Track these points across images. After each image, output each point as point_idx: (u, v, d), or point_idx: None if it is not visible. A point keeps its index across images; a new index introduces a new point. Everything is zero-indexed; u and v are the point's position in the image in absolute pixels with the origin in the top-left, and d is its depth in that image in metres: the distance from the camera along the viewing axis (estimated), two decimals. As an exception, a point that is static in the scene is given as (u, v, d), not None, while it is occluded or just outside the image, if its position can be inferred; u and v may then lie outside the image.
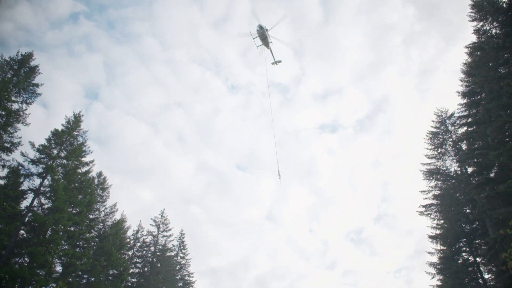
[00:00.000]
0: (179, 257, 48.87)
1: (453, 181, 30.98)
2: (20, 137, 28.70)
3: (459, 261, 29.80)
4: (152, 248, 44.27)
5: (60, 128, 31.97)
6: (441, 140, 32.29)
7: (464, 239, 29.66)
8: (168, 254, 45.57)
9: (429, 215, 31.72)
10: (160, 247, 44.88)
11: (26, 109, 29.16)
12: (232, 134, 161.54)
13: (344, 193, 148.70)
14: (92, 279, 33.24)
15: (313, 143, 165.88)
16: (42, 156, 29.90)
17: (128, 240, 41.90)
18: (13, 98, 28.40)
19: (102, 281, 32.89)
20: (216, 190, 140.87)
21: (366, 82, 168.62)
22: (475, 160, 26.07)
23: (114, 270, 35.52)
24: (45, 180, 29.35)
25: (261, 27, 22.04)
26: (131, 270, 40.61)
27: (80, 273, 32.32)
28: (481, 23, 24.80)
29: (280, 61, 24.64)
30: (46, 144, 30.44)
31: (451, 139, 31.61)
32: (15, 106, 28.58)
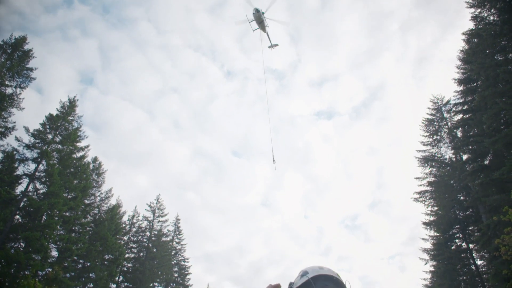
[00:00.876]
0: (174, 243, 49.22)
1: (448, 168, 31.15)
2: (15, 122, 28.56)
3: (452, 248, 30.13)
4: (148, 233, 44.47)
5: (54, 113, 31.78)
6: (436, 127, 32.36)
7: (458, 226, 29.95)
8: (163, 239, 45.81)
9: (423, 202, 31.98)
10: (156, 232, 45.09)
11: (20, 93, 28.95)
12: (228, 120, 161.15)
13: (340, 179, 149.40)
14: (88, 264, 33.40)
15: (309, 130, 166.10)
16: (37, 141, 29.73)
17: (124, 225, 42.08)
18: (6, 82, 28.11)
19: (97, 266, 33.07)
20: (211, 176, 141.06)
21: (362, 69, 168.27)
22: (470, 147, 26.18)
23: (109, 255, 35.69)
24: (40, 165, 29.25)
25: (257, 10, 21.82)
26: (127, 255, 40.85)
27: (76, 258, 32.42)
28: (479, 10, 24.61)
29: (276, 45, 24.42)
30: (41, 129, 30.25)
31: (446, 126, 31.67)
32: (8, 91, 28.35)
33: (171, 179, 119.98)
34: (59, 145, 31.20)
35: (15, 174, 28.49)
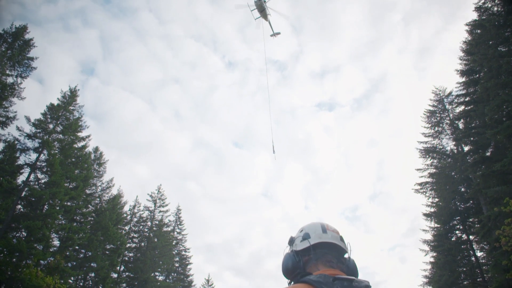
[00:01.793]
0: (175, 233, 49.44)
1: (449, 159, 31.13)
2: (16, 112, 28.51)
3: (452, 239, 30.23)
4: (149, 223, 44.60)
5: (56, 102, 31.72)
6: (438, 118, 32.26)
7: (458, 217, 30.00)
8: (164, 229, 45.96)
9: (424, 193, 32.02)
10: (157, 222, 45.20)
11: (21, 83, 28.89)
12: (229, 111, 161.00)
13: (340, 171, 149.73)
14: (89, 254, 33.58)
15: (310, 121, 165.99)
16: (38, 130, 29.70)
17: (125, 215, 42.23)
18: (7, 72, 28.02)
19: (99, 256, 33.22)
20: (212, 167, 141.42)
21: (364, 60, 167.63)
22: (472, 138, 26.12)
23: (111, 245, 35.86)
24: (41, 155, 29.24)
25: None
26: (128, 245, 41.03)
27: (77, 247, 32.60)
28: (482, 1, 24.43)
29: (279, 33, 24.27)
30: (42, 118, 30.20)
31: (448, 118, 31.58)
32: (9, 80, 28.25)
33: (172, 169, 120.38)
34: (60, 135, 31.19)
35: (16, 164, 28.54)
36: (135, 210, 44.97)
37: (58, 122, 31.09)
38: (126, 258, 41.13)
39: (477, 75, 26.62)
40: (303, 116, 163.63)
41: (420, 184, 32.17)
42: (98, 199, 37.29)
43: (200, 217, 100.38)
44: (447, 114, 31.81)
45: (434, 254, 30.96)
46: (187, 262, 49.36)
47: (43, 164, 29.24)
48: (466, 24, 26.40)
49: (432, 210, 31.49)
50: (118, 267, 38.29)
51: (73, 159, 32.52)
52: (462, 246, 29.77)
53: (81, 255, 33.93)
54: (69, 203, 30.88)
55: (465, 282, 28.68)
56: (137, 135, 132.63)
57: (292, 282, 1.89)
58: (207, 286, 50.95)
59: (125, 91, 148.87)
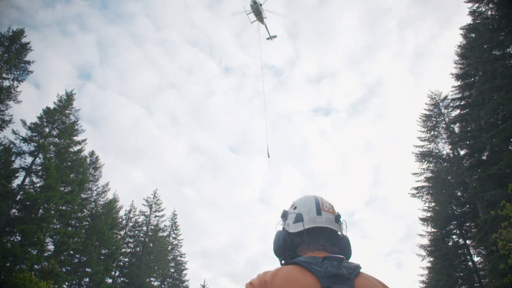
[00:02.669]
0: (171, 238, 49.19)
1: (445, 163, 31.15)
2: (12, 115, 28.38)
3: (449, 244, 30.16)
4: (144, 228, 44.35)
5: (52, 106, 31.65)
6: (434, 122, 32.34)
7: (455, 222, 29.95)
8: (160, 234, 45.77)
9: (420, 197, 31.98)
10: (152, 227, 44.98)
11: (17, 86, 28.77)
12: (225, 116, 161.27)
13: (337, 176, 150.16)
14: (84, 258, 33.33)
15: (306, 126, 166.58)
16: (34, 134, 29.57)
17: (120, 220, 41.98)
18: (4, 75, 27.93)
19: (94, 260, 32.99)
20: (208, 172, 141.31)
21: (360, 65, 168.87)
22: (468, 142, 26.16)
23: (106, 250, 35.63)
24: (37, 159, 29.10)
25: (254, 1, 21.62)
26: (123, 250, 40.75)
27: (72, 252, 32.34)
28: (477, 5, 24.56)
29: (275, 36, 24.30)
30: (38, 122, 30.09)
31: (444, 122, 31.65)
32: (6, 83, 28.20)
33: (168, 174, 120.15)
34: (56, 139, 31.08)
35: (11, 167, 28.37)
36: (131, 215, 44.80)
37: (54, 126, 30.98)
38: (121, 263, 40.81)
39: (472, 79, 26.73)
40: (299, 121, 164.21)
41: (416, 188, 32.15)
42: (93, 203, 37.06)
43: (196, 223, 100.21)
44: (443, 118, 31.89)
45: (431, 259, 30.90)
46: (182, 268, 49.03)
47: (39, 168, 29.07)
48: (461, 28, 26.54)
49: (429, 214, 31.45)
50: (113, 272, 38.00)
51: (68, 163, 32.38)
52: (459, 251, 29.70)
53: (76, 260, 33.64)
54: (64, 207, 30.69)
55: (462, 287, 28.60)
56: (133, 140, 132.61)
57: (283, 262, 1.88)
58: (203, 292, 50.66)
59: (121, 96, 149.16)
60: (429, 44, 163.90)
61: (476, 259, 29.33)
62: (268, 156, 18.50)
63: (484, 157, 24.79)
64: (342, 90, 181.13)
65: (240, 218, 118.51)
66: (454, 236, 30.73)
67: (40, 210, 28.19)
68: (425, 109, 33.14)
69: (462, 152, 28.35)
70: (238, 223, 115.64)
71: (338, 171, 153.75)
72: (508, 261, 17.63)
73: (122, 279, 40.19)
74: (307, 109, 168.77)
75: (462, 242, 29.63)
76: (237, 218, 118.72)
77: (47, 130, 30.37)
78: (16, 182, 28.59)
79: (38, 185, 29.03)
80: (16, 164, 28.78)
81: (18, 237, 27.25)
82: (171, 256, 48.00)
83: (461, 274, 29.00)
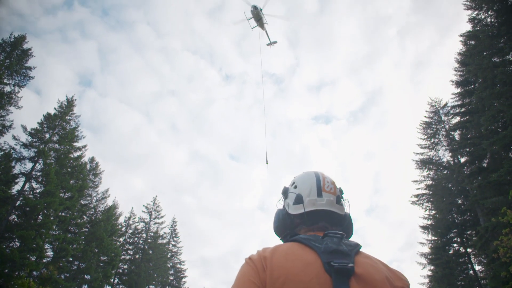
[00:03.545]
0: (170, 245, 49.00)
1: (446, 171, 31.08)
2: (12, 121, 28.47)
3: (450, 252, 29.97)
4: (144, 235, 44.20)
5: (52, 112, 31.73)
6: (434, 130, 32.32)
7: (455, 230, 29.79)
8: (159, 241, 45.59)
9: (421, 205, 31.86)
10: (152, 234, 44.83)
11: (18, 92, 28.90)
12: (226, 123, 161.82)
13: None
14: (83, 265, 33.17)
15: (306, 134, 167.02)
16: (34, 140, 29.63)
17: (120, 226, 41.84)
18: (5, 81, 28.07)
19: (93, 267, 32.81)
20: (208, 180, 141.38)
21: (360, 73, 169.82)
22: (468, 149, 26.11)
23: (105, 256, 35.48)
24: (37, 164, 29.11)
25: (255, 7, 21.70)
26: (122, 257, 40.58)
27: (71, 259, 32.21)
28: (476, 12, 24.70)
29: (275, 42, 24.33)
30: (38, 128, 30.17)
31: (444, 129, 31.64)
32: (7, 89, 28.31)
33: (168, 182, 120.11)
34: (56, 145, 31.13)
35: (11, 173, 28.35)
36: (130, 222, 44.69)
37: (55, 132, 31.05)
38: (120, 270, 40.61)
39: (472, 86, 26.76)
40: (299, 129, 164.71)
41: (416, 196, 32.04)
42: (93, 209, 36.97)
43: (195, 230, 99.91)
44: (443, 125, 31.89)
45: (432, 267, 30.66)
46: (182, 275, 48.77)
47: (38, 174, 29.06)
48: (460, 35, 26.63)
49: (429, 222, 31.29)
50: (112, 279, 37.77)
51: (68, 169, 32.39)
52: (460, 259, 29.48)
53: (75, 267, 33.48)
54: (63, 214, 30.66)
55: (464, 296, 28.39)
56: (133, 147, 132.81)
57: (283, 241, 1.87)
58: (202, 300, 50.36)
59: (122, 103, 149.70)
60: (429, 52, 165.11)
61: (477, 268, 29.12)
62: (267, 163, 18.34)
63: (484, 164, 24.73)
64: (342, 98, 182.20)
65: (240, 226, 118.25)
66: (455, 245, 30.52)
67: (40, 216, 28.12)
68: (425, 117, 33.17)
69: (462, 159, 28.28)
70: (238, 231, 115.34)
71: (338, 179, 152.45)
72: (509, 268, 17.50)
73: (121, 286, 39.95)
74: (307, 117, 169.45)
75: (463, 250, 29.43)
76: (237, 226, 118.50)
77: (47, 135, 30.43)
78: (16, 187, 28.62)
79: (37, 191, 29.00)
80: (16, 170, 28.81)
81: (17, 243, 27.17)
82: (171, 264, 47.80)
83: (462, 282, 28.77)
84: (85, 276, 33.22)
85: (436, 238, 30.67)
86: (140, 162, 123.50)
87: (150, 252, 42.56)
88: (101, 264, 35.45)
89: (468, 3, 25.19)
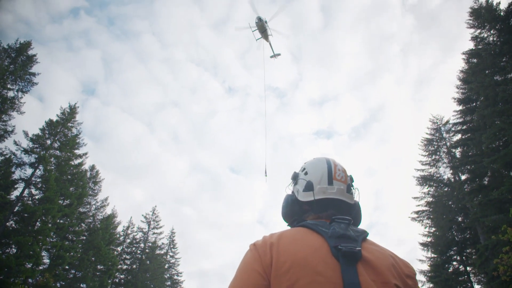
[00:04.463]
0: (168, 256, 48.64)
1: (446, 188, 30.98)
2: (14, 126, 28.56)
3: (449, 270, 29.72)
4: (142, 245, 43.92)
5: (55, 118, 31.82)
6: (435, 147, 32.31)
7: (455, 247, 29.59)
8: (157, 252, 45.29)
9: (421, 221, 31.70)
10: (150, 244, 44.55)
11: (21, 97, 29.08)
12: (227, 136, 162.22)
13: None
14: (80, 274, 32.91)
15: (308, 148, 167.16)
16: (35, 146, 29.67)
17: (118, 235, 41.62)
18: (8, 86, 28.26)
19: (89, 276, 32.57)
20: (208, 191, 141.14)
21: (363, 89, 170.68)
22: (469, 167, 26.09)
23: (102, 266, 35.23)
24: (37, 171, 29.10)
25: (260, 19, 21.86)
26: (119, 266, 40.24)
27: (67, 267, 31.98)
28: (479, 31, 24.98)
29: (279, 54, 24.44)
30: (40, 134, 30.23)
31: (445, 146, 31.63)
32: (10, 94, 28.49)
33: (168, 193, 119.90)
34: (57, 151, 31.16)
35: (11, 178, 28.31)
36: (129, 231, 44.43)
37: (56, 138, 31.10)
38: (117, 280, 40.27)
39: (474, 104, 26.85)
40: (301, 143, 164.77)
41: (417, 212, 31.89)
42: (91, 217, 36.83)
43: (194, 242, 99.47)
44: (444, 142, 31.89)
45: (431, 285, 30.36)
46: (179, 287, 48.35)
47: (38, 180, 29.03)
48: (463, 53, 26.85)
49: (429, 239, 31.10)
50: (108, 289, 37.47)
51: (68, 176, 32.37)
52: (460, 278, 29.21)
53: (71, 275, 33.22)
54: (61, 221, 30.54)
55: (463, 315, 28.08)
56: (134, 157, 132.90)
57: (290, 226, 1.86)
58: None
59: (124, 113, 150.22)
60: (432, 70, 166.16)
61: (476, 287, 28.84)
62: (266, 175, 18.18)
63: (485, 182, 24.69)
64: (345, 114, 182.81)
65: (238, 239, 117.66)
66: (454, 263, 30.28)
67: (38, 223, 28.00)
68: (427, 133, 33.20)
69: (463, 177, 28.24)
70: (237, 244, 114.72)
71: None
72: (510, 287, 17.37)
73: (117, 296, 39.61)
74: (309, 132, 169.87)
75: (463, 268, 29.19)
76: (236, 238, 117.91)
77: (48, 142, 30.48)
78: (15, 193, 28.54)
79: (37, 197, 28.93)
80: (16, 175, 28.76)
81: (13, 249, 27.00)
82: (168, 275, 47.38)
83: (462, 301, 28.51)
84: (81, 285, 32.95)
85: (435, 256, 30.43)
86: (141, 172, 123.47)
87: (148, 262, 42.24)
88: (97, 273, 35.17)
89: (471, 22, 25.48)
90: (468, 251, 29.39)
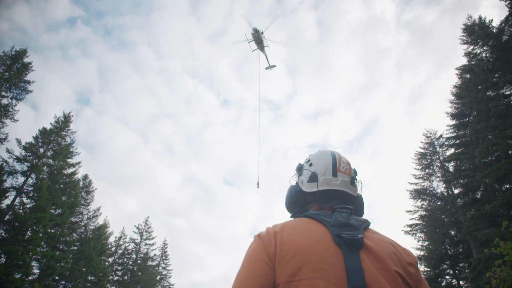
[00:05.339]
0: (160, 267, 48.06)
1: (439, 202, 31.08)
2: (7, 133, 28.33)
3: (442, 284, 29.66)
4: (134, 256, 43.40)
5: (48, 127, 31.63)
6: (429, 161, 32.50)
7: (448, 261, 29.59)
8: (149, 263, 44.80)
9: (414, 235, 31.71)
10: (142, 255, 44.06)
11: (15, 105, 28.87)
12: (222, 148, 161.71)
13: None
14: (70, 285, 32.42)
15: (302, 161, 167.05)
16: (28, 154, 29.43)
17: (110, 246, 41.14)
18: (3, 93, 28.08)
19: (80, 287, 32.09)
20: (201, 204, 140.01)
21: (357, 103, 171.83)
22: (462, 181, 26.26)
23: (93, 277, 34.73)
24: (29, 179, 28.82)
25: (256, 30, 21.99)
26: (110, 277, 39.68)
27: (57, 277, 31.49)
28: (472, 47, 25.39)
29: (274, 66, 24.58)
30: (33, 142, 30.02)
31: (438, 160, 31.82)
32: (4, 101, 28.28)
33: (161, 204, 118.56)
34: (50, 160, 30.90)
35: (2, 187, 27.97)
36: (121, 242, 43.90)
37: (49, 147, 30.89)
38: (108, 292, 39.73)
39: (467, 118, 27.14)
40: (295, 156, 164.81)
41: (410, 226, 31.91)
42: (83, 227, 36.45)
43: (186, 254, 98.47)
44: (437, 156, 32.09)
45: (424, 299, 30.28)
46: (170, 299, 47.76)
47: (30, 189, 28.73)
48: (456, 69, 27.24)
49: (422, 253, 31.09)
50: (99, 301, 36.88)
51: (61, 185, 32.07)
52: (452, 293, 29.20)
53: (61, 286, 32.72)
54: (53, 230, 30.15)
55: (455, 330, 27.96)
56: (128, 167, 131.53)
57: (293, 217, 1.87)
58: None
59: (118, 123, 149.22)
60: (426, 85, 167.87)
61: (469, 302, 28.78)
62: (258, 187, 18.03)
63: (478, 196, 24.84)
64: (339, 127, 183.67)
65: (232, 252, 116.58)
66: (447, 277, 30.24)
67: (28, 232, 27.60)
68: (420, 147, 33.40)
69: (456, 191, 28.39)
70: (230, 257, 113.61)
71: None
72: (502, 301, 17.34)
73: (107, 308, 38.98)
74: (303, 145, 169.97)
75: (456, 282, 29.16)
76: (229, 251, 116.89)
77: (41, 150, 30.25)
78: (6, 202, 28.15)
79: (28, 206, 28.58)
80: (7, 184, 28.40)
81: (3, 258, 26.55)
82: (160, 287, 46.82)
83: (455, 316, 28.42)
84: (71, 296, 32.45)
85: (428, 269, 30.37)
86: (134, 182, 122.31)
87: (139, 273, 41.72)
88: (88, 284, 34.67)
89: (464, 38, 25.89)
90: (461, 265, 29.40)
